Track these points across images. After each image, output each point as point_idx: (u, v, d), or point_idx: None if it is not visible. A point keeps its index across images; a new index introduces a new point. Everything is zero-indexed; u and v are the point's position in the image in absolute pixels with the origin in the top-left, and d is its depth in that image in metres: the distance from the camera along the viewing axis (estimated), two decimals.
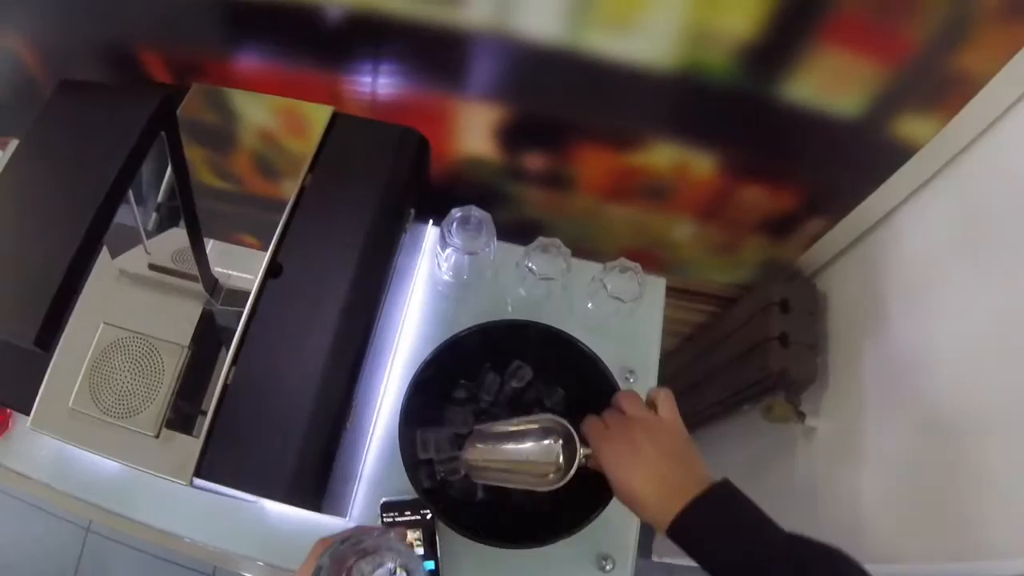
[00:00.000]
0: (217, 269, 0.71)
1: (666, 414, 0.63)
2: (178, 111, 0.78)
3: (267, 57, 0.87)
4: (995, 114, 0.74)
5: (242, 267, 0.71)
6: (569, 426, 0.66)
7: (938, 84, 0.74)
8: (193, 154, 0.77)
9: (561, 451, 0.66)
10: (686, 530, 0.54)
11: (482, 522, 0.71)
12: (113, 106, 0.56)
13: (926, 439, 0.80)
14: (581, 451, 0.64)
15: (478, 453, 0.68)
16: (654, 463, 0.59)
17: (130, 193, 0.60)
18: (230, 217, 0.74)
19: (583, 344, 0.75)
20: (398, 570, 0.52)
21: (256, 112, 0.79)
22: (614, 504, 0.68)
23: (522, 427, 0.68)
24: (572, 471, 0.64)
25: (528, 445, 0.67)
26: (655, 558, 1.46)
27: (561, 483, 0.64)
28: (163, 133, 0.57)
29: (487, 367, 0.80)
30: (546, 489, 0.65)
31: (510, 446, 0.68)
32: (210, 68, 0.90)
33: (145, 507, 0.79)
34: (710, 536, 0.54)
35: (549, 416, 0.67)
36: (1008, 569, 0.69)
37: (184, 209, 0.63)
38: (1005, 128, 0.74)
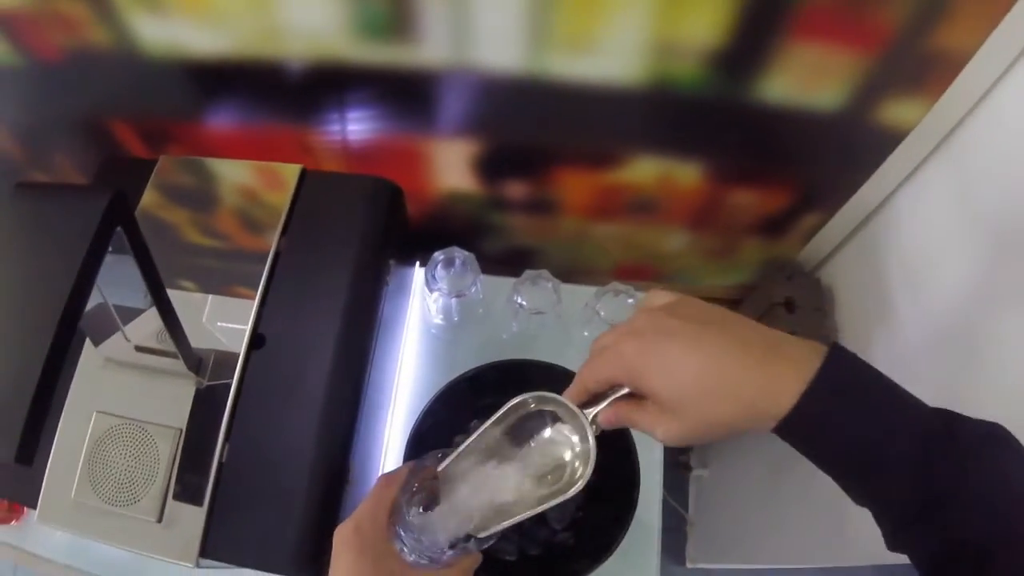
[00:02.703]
0: (220, 324, 0.71)
1: (672, 296, 0.44)
2: (153, 178, 0.78)
3: (236, 117, 0.87)
4: (983, 88, 0.71)
5: (242, 319, 0.70)
6: (551, 396, 0.46)
7: (920, 65, 0.71)
8: (178, 216, 0.78)
9: (568, 437, 0.46)
10: (812, 423, 0.37)
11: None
12: (64, 211, 0.56)
13: None
14: (584, 415, 0.45)
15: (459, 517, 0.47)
16: (708, 332, 0.39)
17: (99, 287, 0.60)
18: (223, 272, 0.73)
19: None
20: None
21: (232, 172, 0.79)
22: (632, 539, 0.66)
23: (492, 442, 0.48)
24: (592, 448, 0.44)
25: (520, 464, 0.47)
26: (689, 564, 1.42)
27: (589, 470, 0.44)
28: (119, 229, 0.56)
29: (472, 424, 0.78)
30: (574, 493, 0.44)
31: (504, 478, 0.47)
32: (180, 133, 0.90)
33: None
34: (843, 427, 0.36)
35: (514, 404, 0.47)
36: None
37: (153, 296, 0.62)
38: (995, 101, 0.71)
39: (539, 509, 0.44)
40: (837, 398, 0.36)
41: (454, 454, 0.48)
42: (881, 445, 0.36)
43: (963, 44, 0.68)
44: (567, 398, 0.45)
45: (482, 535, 0.46)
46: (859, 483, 0.38)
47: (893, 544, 0.38)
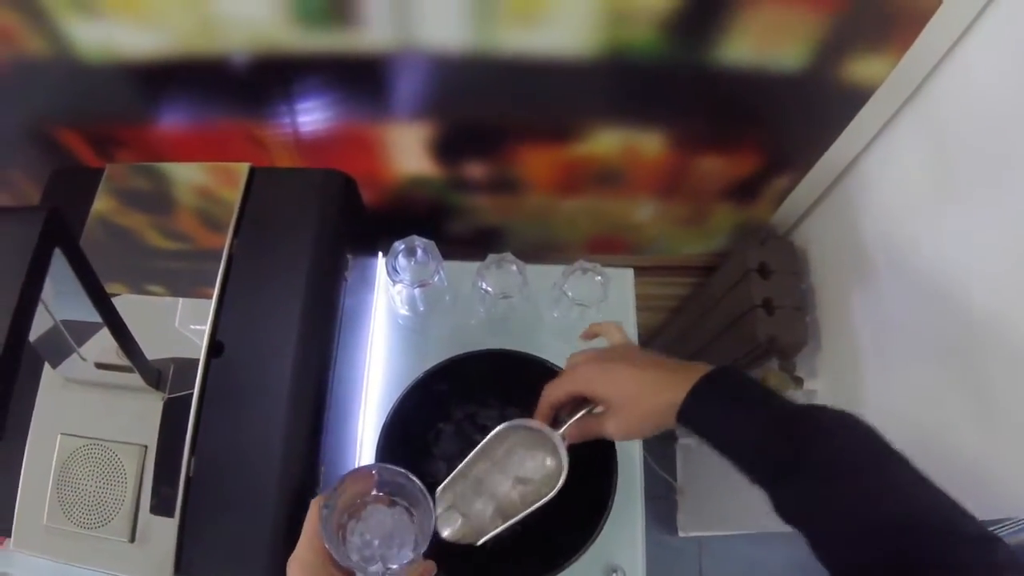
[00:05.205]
0: (193, 327, 0.69)
1: (620, 339, 0.62)
2: (105, 185, 0.75)
3: (183, 117, 0.84)
4: (949, 42, 0.69)
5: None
6: (525, 422, 0.58)
7: (883, 20, 0.68)
8: (137, 221, 0.76)
9: (543, 450, 0.58)
10: (699, 410, 0.51)
11: (484, 568, 0.70)
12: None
13: (927, 385, 0.77)
14: (555, 435, 0.57)
15: (464, 523, 0.57)
16: (640, 359, 0.56)
17: (47, 306, 0.58)
18: (191, 273, 0.71)
19: (543, 360, 0.73)
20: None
21: (185, 172, 0.76)
22: (617, 515, 0.66)
23: (483, 460, 0.58)
24: (564, 456, 0.57)
25: (507, 475, 0.58)
26: (681, 534, 1.44)
27: (563, 476, 0.56)
28: (58, 249, 0.54)
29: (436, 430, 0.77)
30: (554, 494, 0.56)
31: (496, 487, 0.58)
32: (129, 137, 0.87)
33: None
34: (723, 415, 0.51)
35: (497, 431, 0.58)
36: None
37: (100, 311, 0.60)
38: (961, 54, 0.69)
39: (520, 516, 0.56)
40: (712, 396, 0.52)
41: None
42: (743, 431, 0.50)
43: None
44: (538, 420, 0.59)
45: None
46: (735, 460, 0.51)
47: (777, 512, 0.49)
